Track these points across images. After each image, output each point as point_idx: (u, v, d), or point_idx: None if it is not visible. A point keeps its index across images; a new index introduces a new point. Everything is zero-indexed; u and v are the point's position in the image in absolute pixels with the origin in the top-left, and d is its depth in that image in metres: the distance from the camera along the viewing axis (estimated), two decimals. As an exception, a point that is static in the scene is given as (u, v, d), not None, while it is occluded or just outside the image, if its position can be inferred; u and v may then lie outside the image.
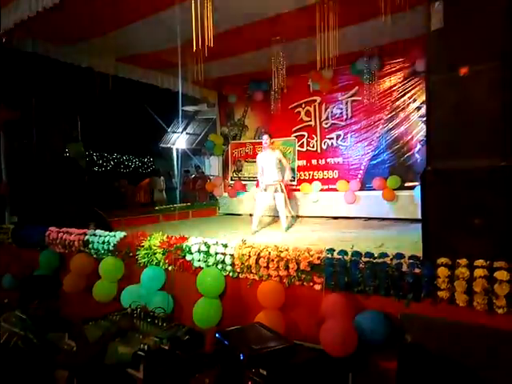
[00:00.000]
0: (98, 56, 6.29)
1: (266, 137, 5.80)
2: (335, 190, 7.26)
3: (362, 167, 7.14)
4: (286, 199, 5.70)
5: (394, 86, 6.74)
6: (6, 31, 4.84)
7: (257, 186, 5.93)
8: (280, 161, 5.78)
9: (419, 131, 6.43)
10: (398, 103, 6.73)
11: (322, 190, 7.41)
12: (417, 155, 6.57)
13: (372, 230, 5.80)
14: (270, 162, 5.70)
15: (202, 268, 3.48)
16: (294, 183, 7.63)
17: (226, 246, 3.45)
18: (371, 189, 6.88)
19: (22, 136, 6.05)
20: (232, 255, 3.35)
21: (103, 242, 4.13)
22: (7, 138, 5.69)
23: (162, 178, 11.04)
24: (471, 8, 2.59)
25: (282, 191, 5.63)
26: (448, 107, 2.67)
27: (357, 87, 7.08)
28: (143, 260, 3.81)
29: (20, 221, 5.63)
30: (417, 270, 2.59)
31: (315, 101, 7.58)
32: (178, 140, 11.41)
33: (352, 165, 7.24)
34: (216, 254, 3.42)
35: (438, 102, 2.74)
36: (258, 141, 8.25)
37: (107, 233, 4.27)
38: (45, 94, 6.15)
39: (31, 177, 6.03)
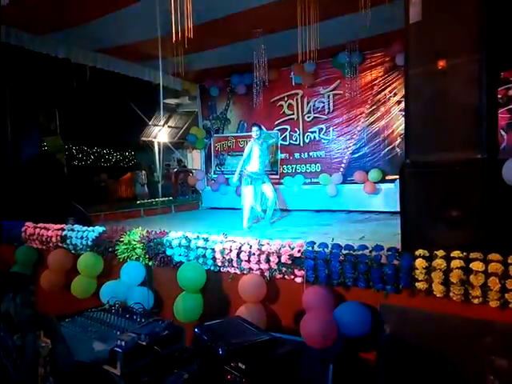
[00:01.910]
0: (76, 47, 6.12)
1: (255, 128, 5.70)
2: (317, 183, 7.29)
3: (344, 161, 7.20)
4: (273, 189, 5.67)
5: (375, 79, 6.79)
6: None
7: (234, 179, 5.76)
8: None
9: (400, 125, 6.50)
10: (379, 97, 6.80)
11: (304, 183, 7.44)
12: (397, 149, 6.66)
13: (354, 223, 5.85)
14: (258, 151, 5.59)
15: (183, 262, 3.44)
16: (277, 176, 7.63)
17: (206, 240, 3.42)
18: (353, 182, 6.95)
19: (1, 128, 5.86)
20: (213, 249, 3.32)
21: (81, 238, 4.05)
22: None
23: (143, 172, 10.89)
24: (449, 1, 2.61)
25: (270, 183, 5.63)
26: (426, 100, 2.69)
27: (338, 81, 7.11)
28: (123, 255, 3.75)
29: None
30: (395, 262, 2.62)
31: (297, 94, 7.58)
32: (160, 133, 11.26)
33: (334, 158, 7.28)
34: (197, 248, 3.39)
35: (416, 95, 2.76)
36: (240, 134, 8.22)
37: (85, 228, 4.18)
38: (20, 85, 5.96)
39: (7, 171, 5.86)
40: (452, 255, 2.45)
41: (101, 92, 9.66)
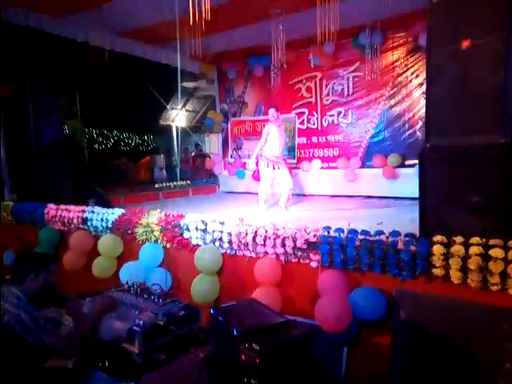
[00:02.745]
0: (94, 30, 6.14)
1: (272, 110, 5.51)
2: (335, 167, 7.22)
3: (363, 145, 7.09)
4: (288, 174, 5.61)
5: (397, 61, 6.61)
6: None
7: (256, 163, 5.59)
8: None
9: (421, 108, 6.33)
10: (400, 79, 6.62)
11: (322, 167, 7.38)
12: (418, 133, 6.50)
13: (371, 208, 5.79)
14: (277, 135, 5.47)
15: (200, 245, 3.49)
16: (294, 161, 7.59)
17: (223, 223, 3.45)
18: (371, 167, 6.85)
19: (19, 112, 5.98)
20: (229, 233, 3.35)
21: (102, 220, 4.14)
22: (3, 114, 5.62)
23: (161, 155, 10.99)
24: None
25: (286, 168, 5.54)
26: (448, 82, 2.60)
27: (358, 62, 6.94)
28: (141, 237, 3.83)
29: (20, 198, 5.64)
30: (412, 248, 2.59)
31: (316, 76, 7.45)
32: (178, 117, 11.29)
33: (353, 142, 7.18)
34: (213, 231, 3.43)
35: (439, 76, 2.67)
36: (258, 118, 8.17)
37: (106, 210, 4.28)
38: (40, 68, 6.04)
39: (30, 153, 6.00)
40: (471, 242, 2.40)
41: (119, 75, 9.71)
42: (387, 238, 2.74)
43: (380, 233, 2.81)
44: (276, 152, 5.44)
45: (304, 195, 7.20)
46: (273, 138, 5.43)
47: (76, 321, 2.08)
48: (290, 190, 5.52)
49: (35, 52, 5.82)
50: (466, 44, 2.50)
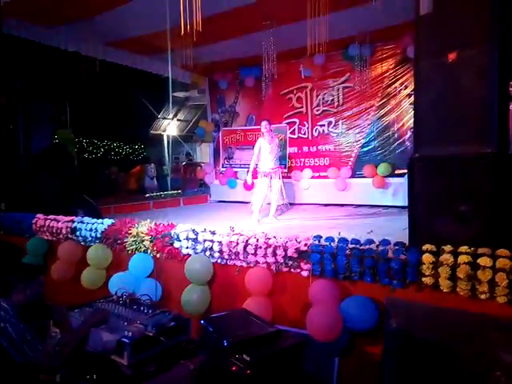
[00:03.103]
0: (86, 40, 6.15)
1: (265, 122, 5.62)
2: (326, 177, 7.26)
3: (353, 154, 7.15)
4: (282, 186, 5.67)
5: (386, 72, 6.72)
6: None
7: (254, 175, 5.69)
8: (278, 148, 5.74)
9: (410, 118, 6.42)
10: (389, 90, 6.73)
11: (313, 177, 7.42)
12: (407, 143, 6.58)
13: (362, 217, 5.83)
14: (271, 148, 5.56)
15: (191, 255, 3.47)
16: (285, 170, 7.62)
17: (213, 233, 3.44)
18: (362, 176, 6.91)
19: (9, 121, 5.94)
20: (220, 242, 3.34)
21: (91, 230, 4.10)
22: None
23: (152, 165, 10.95)
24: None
25: (280, 178, 5.60)
26: (435, 93, 2.65)
27: (348, 73, 7.05)
28: (131, 247, 3.80)
29: (7, 208, 5.57)
30: (402, 257, 2.61)
31: (307, 87, 7.54)
32: (169, 127, 11.29)
33: (343, 152, 7.24)
34: (204, 241, 3.41)
35: (426, 87, 2.72)
36: (249, 127, 8.22)
37: (95, 220, 4.24)
38: (31, 78, 6.02)
39: (19, 163, 5.95)
40: (459, 250, 2.43)
41: (111, 85, 9.71)
42: (377, 246, 2.76)
43: (370, 242, 2.82)
44: (270, 164, 5.53)
45: (295, 204, 7.22)
46: (265, 152, 5.53)
47: (64, 332, 2.05)
48: (281, 200, 5.61)
49: (26, 62, 5.81)
50: (451, 56, 2.55)
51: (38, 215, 4.71)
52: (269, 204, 5.67)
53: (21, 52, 5.62)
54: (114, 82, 9.49)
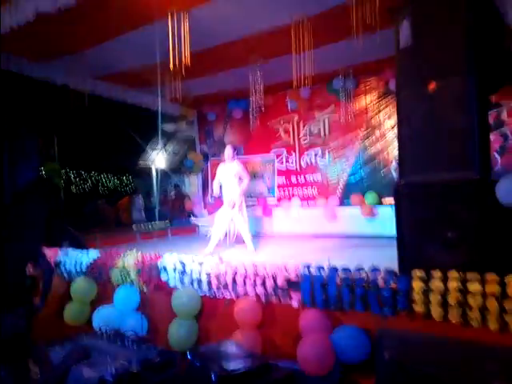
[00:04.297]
0: (74, 74, 6.22)
1: (227, 147, 5.25)
2: (315, 206, 7.29)
3: (341, 184, 7.22)
4: (245, 218, 5.15)
5: (370, 103, 6.91)
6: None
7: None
8: (240, 174, 5.17)
9: (395, 148, 6.55)
10: (373, 121, 6.89)
11: (301, 206, 7.43)
12: (393, 172, 6.69)
13: (351, 247, 5.79)
14: (229, 175, 5.12)
15: (178, 287, 3.39)
16: (274, 200, 7.66)
17: (201, 263, 3.38)
18: (349, 205, 6.94)
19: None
20: (208, 274, 3.28)
21: (75, 263, 4.00)
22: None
23: (140, 196, 10.87)
24: (435, 26, 2.68)
25: (240, 210, 5.05)
26: (417, 122, 2.73)
27: (333, 105, 7.22)
28: (117, 280, 3.70)
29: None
30: (393, 285, 2.59)
31: (293, 118, 7.68)
32: (158, 158, 11.30)
33: (331, 181, 7.31)
34: (192, 272, 3.35)
35: (408, 117, 2.80)
36: (238, 157, 8.26)
37: (79, 252, 4.14)
38: (19, 111, 6.03)
39: (3, 195, 5.84)
40: (449, 275, 2.42)
41: (99, 118, 9.76)
42: (367, 274, 2.73)
43: (360, 270, 2.80)
44: (230, 194, 5.08)
45: (283, 235, 7.18)
46: (225, 181, 5.12)
47: (43, 371, 1.94)
48: (242, 234, 5.08)
49: (14, 95, 5.83)
50: (431, 86, 2.64)
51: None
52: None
53: (8, 85, 5.65)
54: (103, 115, 9.54)
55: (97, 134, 10.81)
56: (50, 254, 4.29)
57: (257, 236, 7.39)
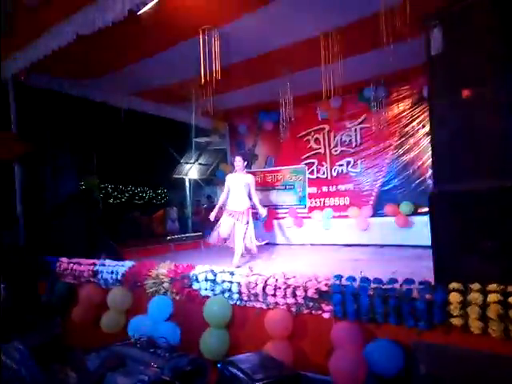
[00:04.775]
0: (112, 91, 6.52)
1: (238, 158, 5.22)
2: (347, 216, 7.18)
3: (374, 193, 7.08)
4: (248, 230, 5.04)
5: (403, 112, 6.77)
6: (24, 70, 5.11)
7: (224, 210, 5.21)
8: (249, 188, 5.16)
9: (430, 157, 6.36)
10: (407, 129, 6.73)
11: (333, 217, 7.34)
12: (429, 181, 6.49)
13: (385, 257, 5.66)
14: (238, 185, 5.10)
15: (209, 297, 3.42)
16: (305, 211, 7.61)
17: (232, 273, 3.40)
18: (383, 215, 6.79)
19: (39, 169, 6.22)
20: (239, 283, 3.29)
21: (112, 272, 4.13)
22: (24, 171, 5.83)
23: (174, 208, 11.12)
24: (470, 32, 2.62)
25: (242, 222, 4.99)
26: (452, 130, 2.65)
27: (365, 115, 7.13)
28: (151, 289, 3.78)
29: (33, 251, 5.69)
30: (428, 296, 2.49)
31: (324, 129, 7.64)
32: (191, 171, 11.55)
33: (363, 191, 7.18)
34: (223, 282, 3.37)
35: (442, 124, 2.72)
36: (268, 169, 8.32)
37: (116, 263, 4.28)
38: (60, 128, 6.37)
39: (45, 208, 6.15)
40: (488, 289, 2.31)
41: (135, 133, 10.16)
42: (401, 286, 2.65)
43: (393, 281, 2.72)
44: (236, 205, 5.07)
45: (316, 245, 7.11)
46: (233, 190, 5.12)
47: (79, 377, 2.01)
48: (240, 246, 4.98)
49: (56, 112, 6.17)
50: (465, 93, 2.57)
51: (62, 258, 4.80)
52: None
53: (51, 103, 5.99)
54: (139, 130, 9.93)
55: (133, 149, 11.22)
56: (89, 263, 4.46)
57: (288, 246, 7.39)
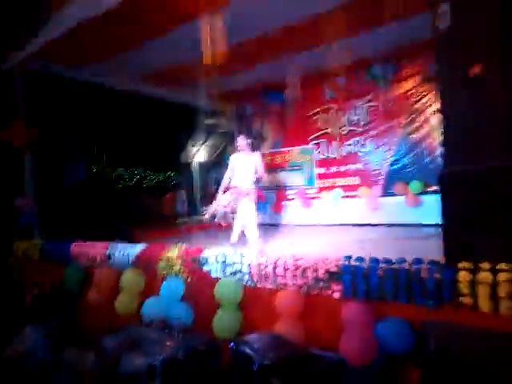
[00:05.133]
0: (119, 75, 6.47)
1: (240, 137, 4.93)
2: (357, 196, 7.15)
3: (383, 172, 7.03)
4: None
5: (412, 89, 6.64)
6: (31, 55, 5.10)
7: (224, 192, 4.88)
8: (257, 167, 4.81)
9: (439, 134, 6.27)
10: (416, 106, 6.62)
11: (343, 197, 7.33)
12: (439, 159, 6.40)
13: (394, 236, 5.66)
14: (244, 164, 4.81)
15: (220, 278, 3.47)
16: (314, 191, 7.60)
17: (243, 255, 3.43)
18: (393, 194, 6.75)
19: (51, 155, 6.28)
20: (249, 265, 3.33)
21: (124, 255, 4.20)
22: (35, 158, 5.88)
23: (183, 191, 11.18)
24: (478, 8, 2.53)
25: (251, 201, 4.70)
26: (461, 107, 2.59)
27: (374, 92, 7.01)
28: (163, 272, 3.85)
29: (48, 236, 5.80)
30: (437, 276, 2.50)
31: (332, 108, 7.55)
32: (198, 154, 11.54)
33: (373, 170, 7.14)
34: (233, 263, 3.41)
35: (450, 102, 2.66)
36: (276, 150, 8.28)
37: (128, 245, 4.34)
38: (67, 114, 6.38)
39: (59, 193, 6.23)
40: (498, 267, 2.30)
41: (144, 117, 10.14)
42: (410, 265, 2.66)
43: (402, 261, 2.73)
44: (243, 183, 4.74)
45: (326, 225, 7.13)
46: (238, 169, 4.81)
47: (97, 357, 2.08)
48: (252, 228, 4.67)
49: (62, 98, 6.17)
50: (473, 70, 2.50)
51: (76, 243, 4.88)
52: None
53: (58, 90, 5.99)
54: (148, 115, 9.89)
55: (143, 133, 11.21)
56: (102, 246, 4.54)
57: (297, 227, 7.42)
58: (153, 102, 7.89)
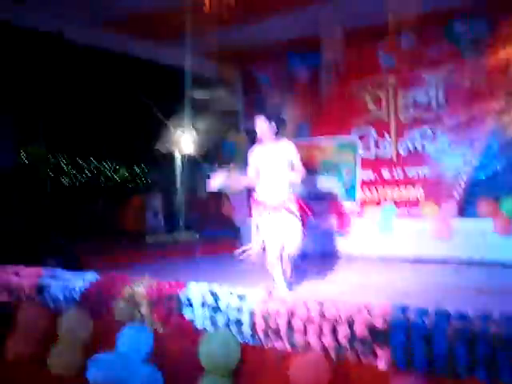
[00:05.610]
0: (69, 18, 6.56)
1: (261, 118, 4.87)
2: (418, 216, 7.19)
3: (462, 183, 7.05)
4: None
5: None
6: None
7: (253, 204, 4.96)
8: (292, 160, 4.81)
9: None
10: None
11: (397, 216, 7.35)
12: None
13: (475, 280, 5.66)
14: (273, 161, 4.76)
15: (208, 331, 3.50)
16: (355, 206, 7.65)
17: (243, 297, 3.46)
18: (475, 215, 6.78)
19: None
20: (252, 312, 3.35)
21: (65, 289, 4.23)
22: None
23: (157, 195, 11.26)
24: None
25: (292, 213, 4.69)
26: None
27: (453, 62, 7.07)
28: (122, 316, 3.87)
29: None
30: (538, 342, 2.51)
31: (388, 82, 7.62)
32: (184, 141, 11.62)
33: (445, 179, 7.17)
34: (228, 309, 3.43)
35: None
36: (301, 140, 8.33)
37: (70, 273, 4.38)
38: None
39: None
40: None
41: (102, 82, 10.22)
42: (497, 324, 2.67)
43: (486, 317, 2.74)
44: (276, 192, 4.72)
45: (367, 258, 7.15)
46: (265, 170, 4.77)
47: None
48: (292, 253, 4.72)
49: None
50: None
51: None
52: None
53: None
54: (107, 78, 9.98)
55: (99, 106, 11.32)
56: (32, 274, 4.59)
57: (327, 258, 7.42)
58: (119, 61, 7.95)
